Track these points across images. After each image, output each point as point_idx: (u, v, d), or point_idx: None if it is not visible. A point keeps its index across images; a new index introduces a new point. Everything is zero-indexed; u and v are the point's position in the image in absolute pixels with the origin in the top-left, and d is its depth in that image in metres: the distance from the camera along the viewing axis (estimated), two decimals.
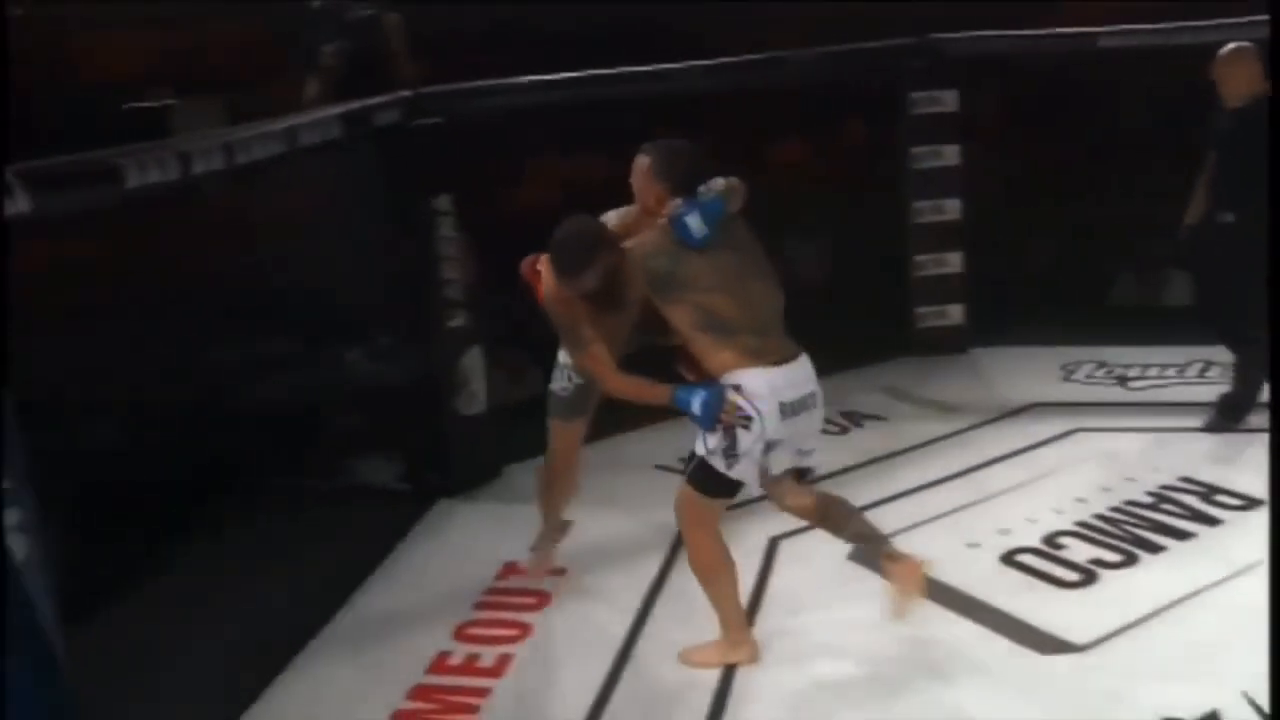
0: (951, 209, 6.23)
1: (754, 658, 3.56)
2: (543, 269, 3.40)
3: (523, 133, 6.56)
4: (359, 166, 5.12)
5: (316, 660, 3.81)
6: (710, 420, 3.22)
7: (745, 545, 4.17)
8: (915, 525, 4.32)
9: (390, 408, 5.17)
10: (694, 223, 3.30)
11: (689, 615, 3.76)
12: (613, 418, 5.47)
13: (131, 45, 6.06)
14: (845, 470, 4.86)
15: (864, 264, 7.07)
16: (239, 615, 3.95)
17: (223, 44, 6.14)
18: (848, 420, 5.51)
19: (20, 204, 2.75)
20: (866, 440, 5.26)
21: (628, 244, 3.36)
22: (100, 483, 4.31)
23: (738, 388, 3.24)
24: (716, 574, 3.51)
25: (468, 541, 4.53)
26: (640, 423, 5.51)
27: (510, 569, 4.28)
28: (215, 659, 3.72)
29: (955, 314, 6.32)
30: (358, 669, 3.73)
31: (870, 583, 3.78)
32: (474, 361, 4.95)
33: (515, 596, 4.09)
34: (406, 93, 4.83)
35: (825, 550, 4.05)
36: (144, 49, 6.07)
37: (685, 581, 3.99)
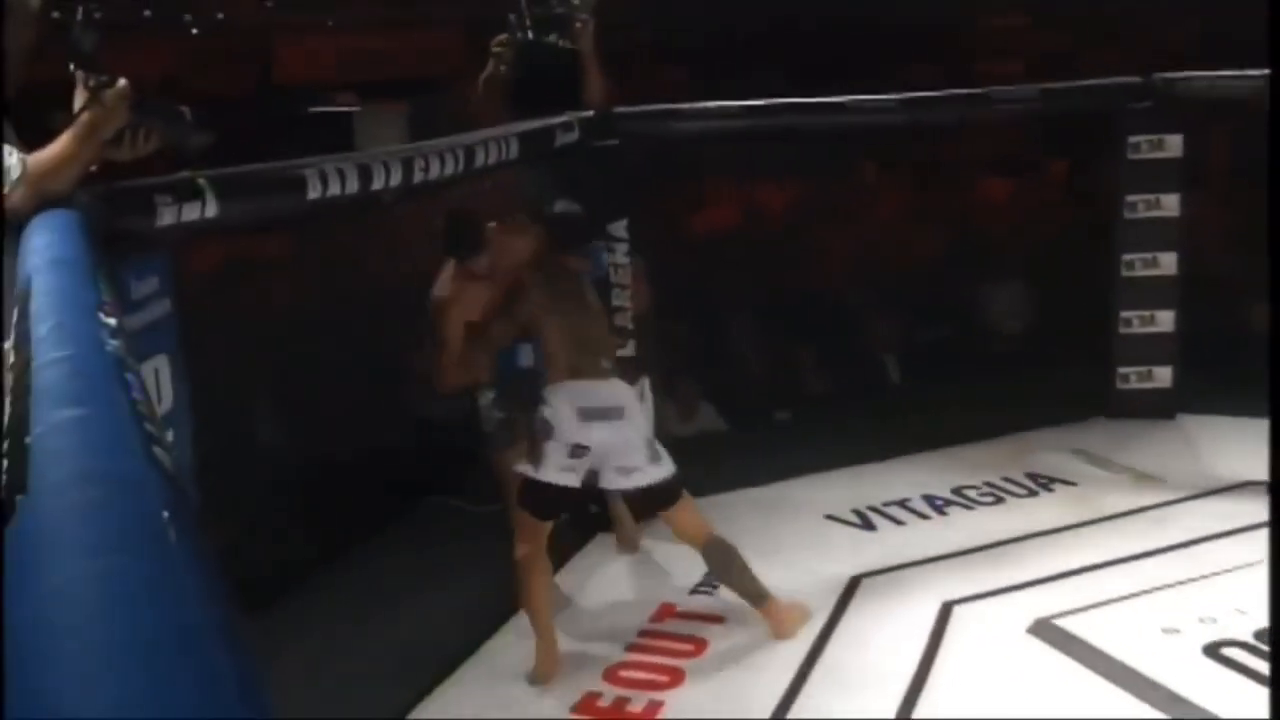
0: (1167, 263, 6.02)
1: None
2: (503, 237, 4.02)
3: (708, 157, 6.67)
4: (534, 186, 5.27)
5: (460, 690, 3.92)
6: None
7: (912, 607, 4.17)
8: (1102, 604, 4.19)
9: None
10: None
11: (850, 673, 3.76)
12: (782, 462, 5.59)
13: (324, 48, 6.34)
14: (1026, 537, 4.79)
15: (1064, 315, 6.95)
16: (391, 635, 4.13)
17: (415, 47, 6.37)
18: (1033, 482, 5.42)
19: (210, 209, 2.92)
20: (1052, 506, 5.16)
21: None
22: None
23: (545, 402, 3.75)
24: (526, 597, 3.89)
25: (625, 578, 4.61)
26: (808, 469, 5.61)
27: (668, 610, 4.35)
28: (362, 678, 3.89)
29: (1163, 376, 6.07)
30: (501, 702, 3.83)
31: (1051, 658, 3.70)
32: (643, 392, 5.02)
33: (671, 640, 4.14)
34: (589, 113, 4.95)
35: (1003, 616, 3.99)
36: (338, 50, 6.33)
37: (851, 636, 3.98)
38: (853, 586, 4.45)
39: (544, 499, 3.84)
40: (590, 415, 3.77)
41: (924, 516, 5.13)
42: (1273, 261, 3.24)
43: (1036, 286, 7.31)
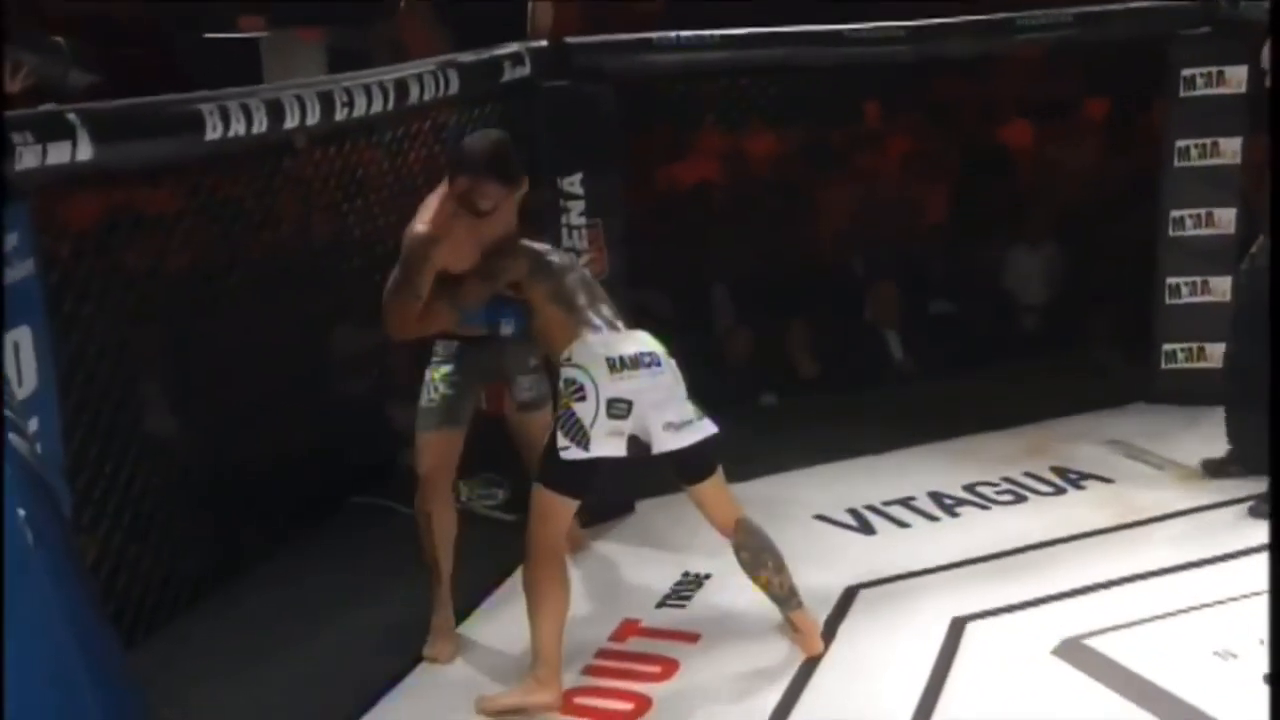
0: (1224, 220, 5.94)
1: (556, 704, 3.80)
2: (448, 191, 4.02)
3: (684, 99, 6.63)
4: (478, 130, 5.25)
5: (393, 713, 3.93)
6: (521, 325, 4.00)
7: (917, 625, 4.18)
8: (1142, 622, 4.19)
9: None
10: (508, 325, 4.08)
11: (845, 701, 3.76)
12: (766, 454, 5.59)
13: None
14: (1052, 543, 4.80)
15: (1099, 283, 6.96)
16: (301, 666, 4.15)
17: None
18: (1061, 478, 5.42)
19: (83, 151, 2.87)
20: (1084, 506, 5.17)
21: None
22: None
23: (568, 359, 3.78)
24: (544, 596, 3.82)
25: (586, 590, 4.58)
26: (797, 463, 5.62)
27: (631, 627, 4.35)
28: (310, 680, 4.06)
29: (1215, 355, 5.87)
30: None
31: (1081, 684, 3.71)
32: None
33: (635, 662, 4.13)
34: (542, 42, 4.92)
35: (1025, 635, 4.00)
36: None
37: (846, 658, 3.98)
38: (848, 600, 4.45)
39: (583, 475, 3.81)
40: (623, 364, 3.78)
41: (931, 518, 5.14)
42: (1274, 260, 3.29)
43: (1067, 249, 7.32)
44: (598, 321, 3.92)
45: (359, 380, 5.69)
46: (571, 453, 3.72)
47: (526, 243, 4.14)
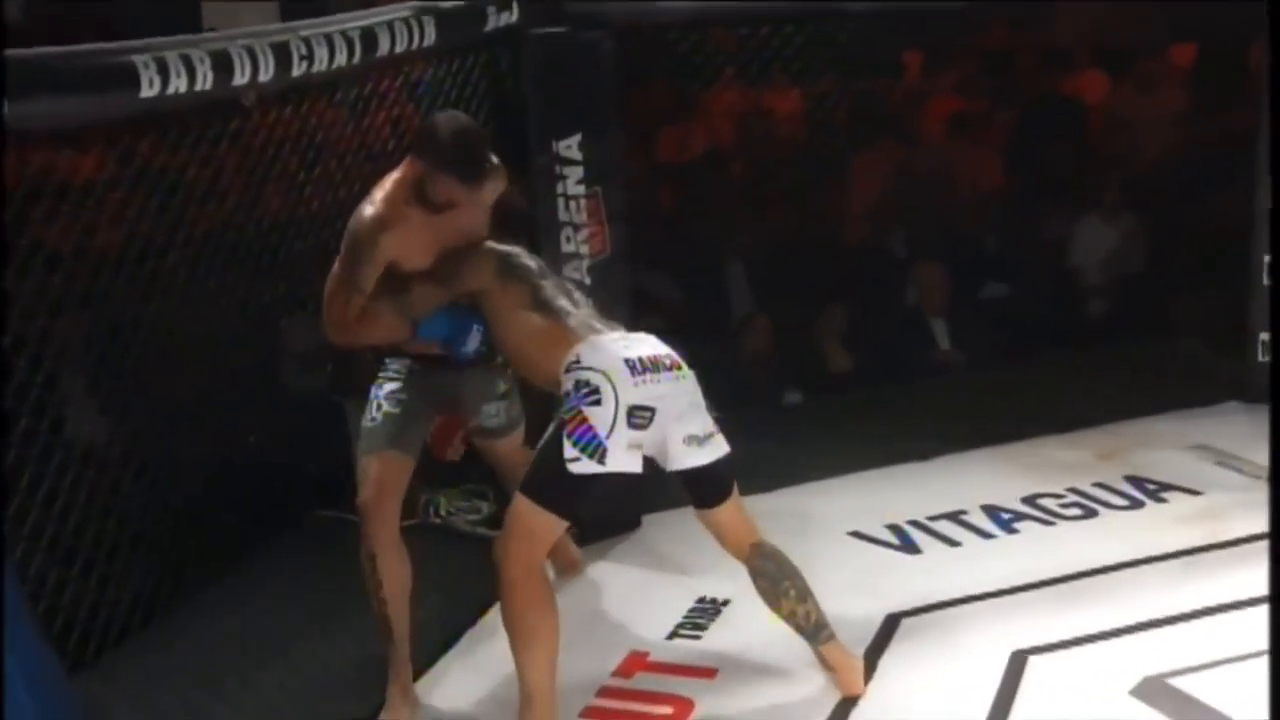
0: None
1: None
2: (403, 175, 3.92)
3: (697, 50, 6.60)
4: (458, 87, 5.23)
5: None
6: (484, 345, 3.98)
7: (971, 659, 4.15)
8: (1236, 659, 4.12)
9: None
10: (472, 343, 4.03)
11: None
12: (792, 460, 5.56)
13: None
14: (1127, 565, 4.78)
15: (1182, 260, 6.94)
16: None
17: None
18: (1138, 489, 5.41)
19: None
20: (1166, 523, 5.15)
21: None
22: None
23: (576, 363, 3.72)
24: (531, 630, 3.73)
25: (583, 620, 4.57)
26: (828, 471, 5.62)
27: (638, 660, 4.34)
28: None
29: None
30: None
31: None
32: None
33: (643, 701, 4.13)
34: None
35: (1098, 672, 3.97)
36: None
37: (888, 697, 3.98)
38: (889, 630, 4.43)
39: (585, 491, 3.73)
40: (644, 367, 3.73)
41: (986, 535, 5.12)
42: (1273, 257, 3.30)
43: (1146, 221, 7.29)
44: (597, 324, 3.89)
45: (319, 378, 5.66)
46: (582, 465, 3.64)
47: (492, 245, 4.04)
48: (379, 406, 4.15)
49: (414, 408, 4.14)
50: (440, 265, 3.96)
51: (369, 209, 3.89)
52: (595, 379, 3.68)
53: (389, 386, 4.16)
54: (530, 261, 4.05)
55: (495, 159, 4.00)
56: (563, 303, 3.92)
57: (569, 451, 3.64)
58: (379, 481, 4.07)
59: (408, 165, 3.95)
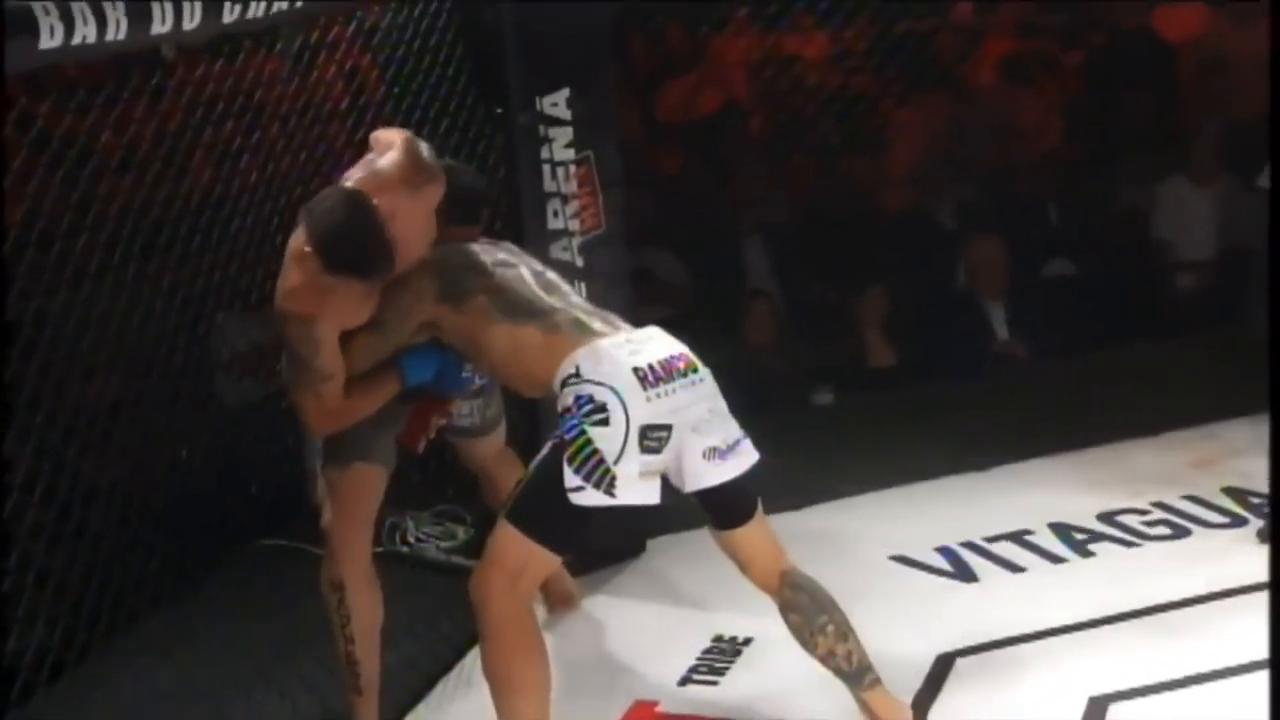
0: None
1: None
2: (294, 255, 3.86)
3: None
4: (421, 35, 5.23)
5: None
6: (458, 374, 3.99)
7: (1040, 707, 4.14)
8: None
9: None
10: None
11: None
12: (824, 472, 5.57)
13: None
14: (1227, 594, 4.74)
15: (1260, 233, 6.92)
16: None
17: None
18: (1238, 504, 5.39)
19: None
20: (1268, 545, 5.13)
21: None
22: None
23: (575, 375, 3.67)
24: (516, 678, 3.71)
25: (581, 663, 4.58)
26: (866, 484, 5.64)
27: (646, 711, 4.36)
28: None
29: None
30: None
31: None
32: None
33: None
34: None
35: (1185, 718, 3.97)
36: None
37: None
38: (942, 671, 4.42)
39: (586, 523, 3.73)
40: (655, 375, 3.69)
41: (1055, 559, 5.12)
42: (1272, 260, 3.31)
43: (1239, 187, 7.29)
44: (591, 320, 3.85)
45: (262, 382, 5.66)
46: (586, 496, 3.62)
47: (426, 262, 3.93)
48: None
49: (386, 410, 4.08)
50: (377, 313, 3.86)
51: (290, 292, 3.83)
52: (601, 394, 3.63)
53: None
54: (485, 257, 3.96)
55: (425, 155, 3.94)
56: (543, 300, 3.87)
57: (571, 479, 3.61)
58: (348, 499, 4.08)
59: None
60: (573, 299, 3.92)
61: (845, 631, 3.93)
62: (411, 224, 3.84)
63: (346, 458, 4.08)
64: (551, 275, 4.03)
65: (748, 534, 3.90)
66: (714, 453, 3.72)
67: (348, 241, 3.73)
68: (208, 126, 5.19)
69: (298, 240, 3.85)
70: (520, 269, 3.94)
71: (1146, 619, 4.66)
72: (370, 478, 4.10)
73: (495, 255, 3.99)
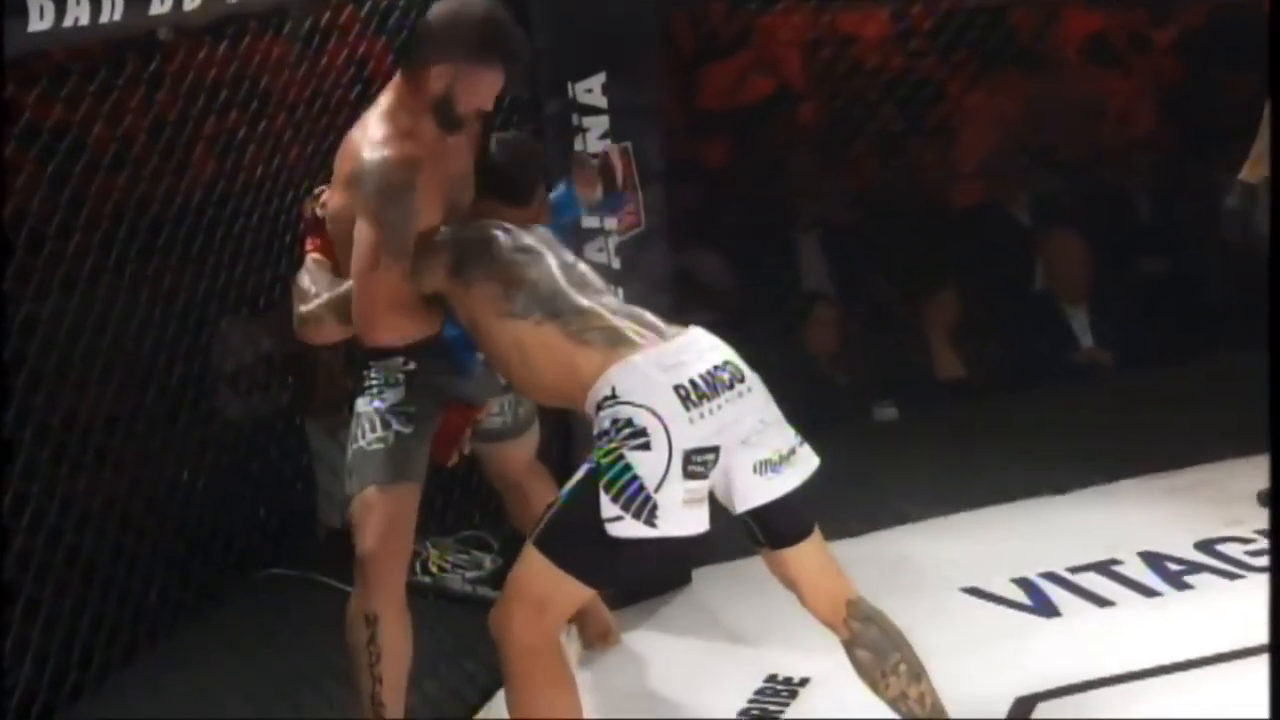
0: None
1: None
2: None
3: None
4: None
5: None
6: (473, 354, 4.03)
7: None
8: None
9: None
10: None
11: None
12: (891, 500, 5.59)
13: None
14: None
15: None
16: None
17: None
18: None
19: None
20: None
21: None
22: None
23: (612, 397, 3.66)
24: (546, 716, 3.74)
25: (625, 704, 4.60)
26: (934, 508, 5.67)
27: None
28: None
29: None
30: None
31: None
32: None
33: None
34: None
35: None
36: None
37: None
38: (1021, 716, 4.43)
39: (624, 555, 3.71)
40: (699, 392, 3.69)
41: (1148, 592, 5.12)
42: (1273, 263, 3.31)
43: None
44: (630, 330, 3.81)
45: (270, 396, 5.70)
46: (625, 527, 3.62)
47: (450, 230, 4.00)
48: (384, 424, 4.12)
49: (422, 420, 4.12)
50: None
51: (382, 151, 3.84)
52: (641, 418, 3.63)
53: (390, 397, 4.12)
54: (506, 240, 3.96)
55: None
56: (569, 297, 3.86)
57: (608, 509, 3.60)
58: (387, 522, 4.05)
59: (401, 83, 3.94)
60: (605, 299, 3.90)
61: (918, 671, 3.90)
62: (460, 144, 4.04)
63: (385, 477, 4.07)
64: (583, 268, 4.01)
65: (805, 554, 3.88)
66: (766, 466, 3.72)
67: (498, 26, 3.91)
68: (210, 116, 5.23)
69: (370, 111, 3.98)
70: (547, 258, 3.92)
71: (1250, 660, 4.58)
72: (408, 499, 4.10)
73: (520, 240, 3.96)
